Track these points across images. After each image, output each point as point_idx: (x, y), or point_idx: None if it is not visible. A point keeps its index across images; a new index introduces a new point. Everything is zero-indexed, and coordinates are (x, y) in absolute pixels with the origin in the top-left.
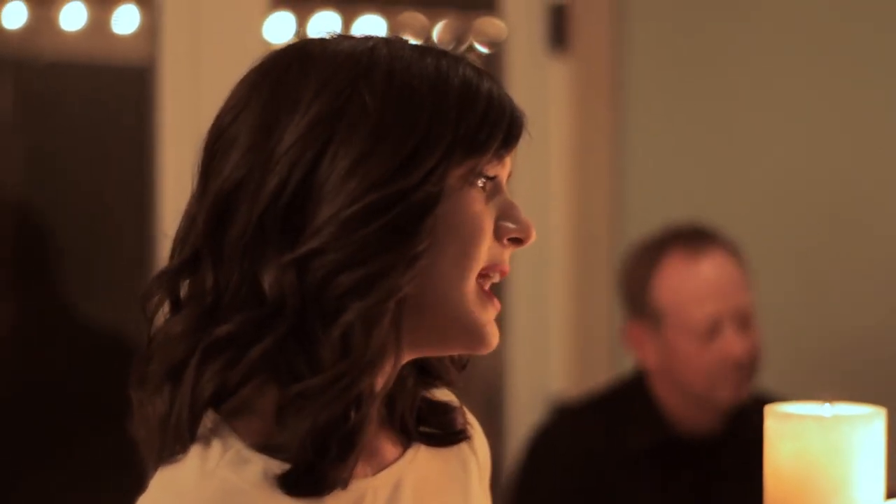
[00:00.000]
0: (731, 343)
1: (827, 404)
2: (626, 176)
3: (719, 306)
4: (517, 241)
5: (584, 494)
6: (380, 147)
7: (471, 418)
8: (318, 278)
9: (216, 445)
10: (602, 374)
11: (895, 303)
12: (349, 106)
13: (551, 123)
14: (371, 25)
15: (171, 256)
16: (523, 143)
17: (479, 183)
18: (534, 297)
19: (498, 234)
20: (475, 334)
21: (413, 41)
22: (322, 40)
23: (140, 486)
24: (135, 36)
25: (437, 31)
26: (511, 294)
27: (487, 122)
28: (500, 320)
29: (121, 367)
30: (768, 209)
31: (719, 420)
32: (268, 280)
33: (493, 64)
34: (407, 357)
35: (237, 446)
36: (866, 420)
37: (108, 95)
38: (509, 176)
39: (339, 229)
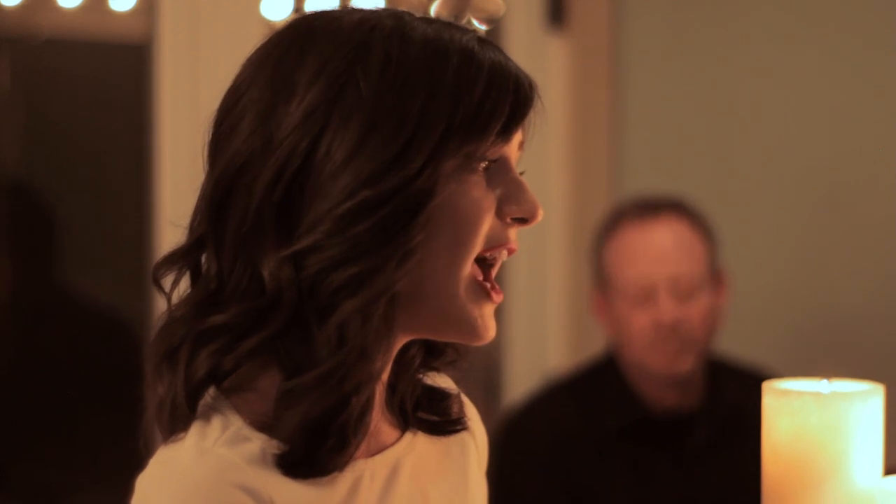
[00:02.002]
0: (662, 310)
1: (825, 381)
2: (625, 153)
3: (653, 271)
4: (522, 221)
5: (559, 478)
6: (373, 138)
7: (469, 406)
8: (312, 274)
9: (216, 422)
10: (599, 351)
11: (893, 280)
12: (344, 92)
13: (549, 100)
14: (369, 3)
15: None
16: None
17: (481, 166)
18: (531, 276)
19: (500, 214)
20: (467, 327)
21: (419, 15)
22: (327, 16)
23: (137, 461)
24: (132, 13)
25: (435, 7)
26: (509, 272)
27: (486, 106)
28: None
29: (117, 344)
30: (766, 185)
31: (690, 395)
32: (266, 272)
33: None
34: (405, 340)
35: (237, 424)
36: (864, 396)
37: (105, 73)
38: (522, 146)
39: (332, 226)
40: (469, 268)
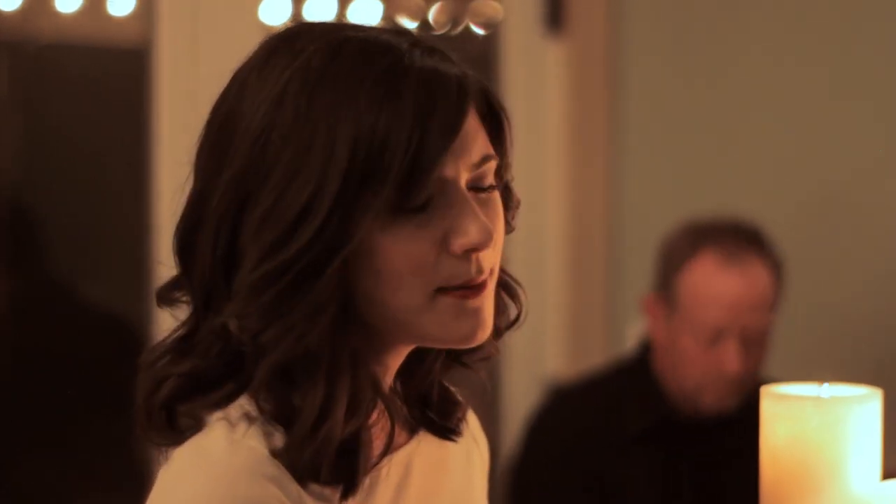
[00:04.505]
0: (728, 358)
1: (823, 385)
2: (623, 157)
3: (729, 319)
4: (475, 250)
5: (583, 477)
6: (278, 205)
7: (471, 416)
8: (248, 339)
9: (240, 415)
10: (598, 356)
11: (891, 285)
12: (263, 154)
13: (547, 104)
14: (367, 7)
15: None
16: (519, 124)
17: (411, 206)
18: (530, 279)
19: (450, 249)
20: (448, 342)
21: (364, 34)
22: (267, 53)
23: (137, 465)
24: (131, 18)
25: (434, 13)
26: None
27: (386, 149)
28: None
29: (117, 347)
30: (763, 189)
31: (724, 402)
32: (229, 325)
33: (489, 45)
34: (404, 349)
35: (260, 419)
36: (862, 401)
37: (104, 77)
38: (487, 160)
39: (247, 294)
40: (423, 300)
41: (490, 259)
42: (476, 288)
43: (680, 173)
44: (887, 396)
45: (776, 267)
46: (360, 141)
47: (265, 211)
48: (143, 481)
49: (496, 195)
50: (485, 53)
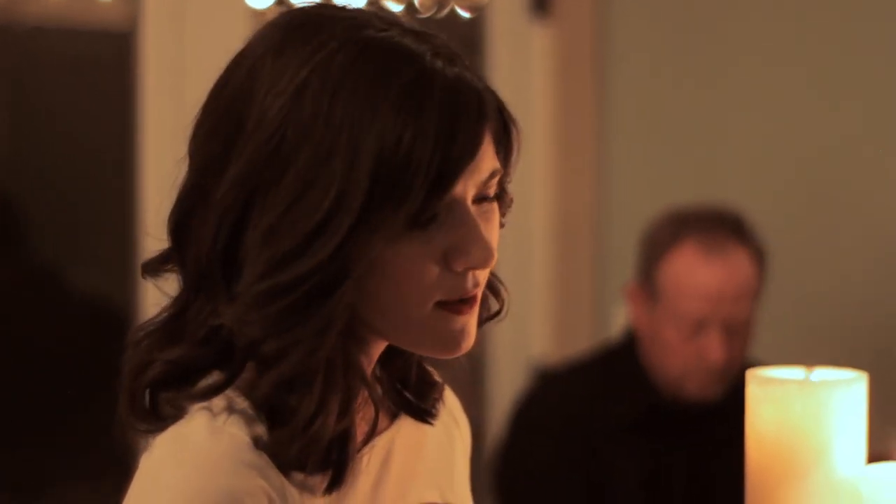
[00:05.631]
0: (711, 348)
1: (809, 369)
2: (610, 142)
3: (711, 309)
4: (475, 268)
5: (570, 463)
6: (292, 211)
7: (453, 398)
8: (245, 342)
9: (222, 402)
10: (583, 340)
11: (879, 270)
12: (278, 150)
13: (534, 90)
14: None
15: None
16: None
17: (420, 221)
18: (515, 264)
19: (449, 266)
20: (435, 352)
21: (378, 30)
22: (283, 38)
23: (122, 452)
24: (116, 0)
25: None
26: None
27: (411, 168)
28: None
29: (104, 333)
30: (753, 177)
31: (707, 390)
32: (221, 317)
33: (474, 29)
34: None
35: (242, 404)
36: (847, 385)
37: (90, 60)
38: (498, 176)
39: (252, 301)
40: (425, 311)
41: (486, 273)
42: (470, 301)
43: (667, 159)
44: (872, 380)
45: (759, 255)
46: (384, 156)
47: (278, 216)
48: (127, 467)
49: (496, 205)
50: (470, 37)
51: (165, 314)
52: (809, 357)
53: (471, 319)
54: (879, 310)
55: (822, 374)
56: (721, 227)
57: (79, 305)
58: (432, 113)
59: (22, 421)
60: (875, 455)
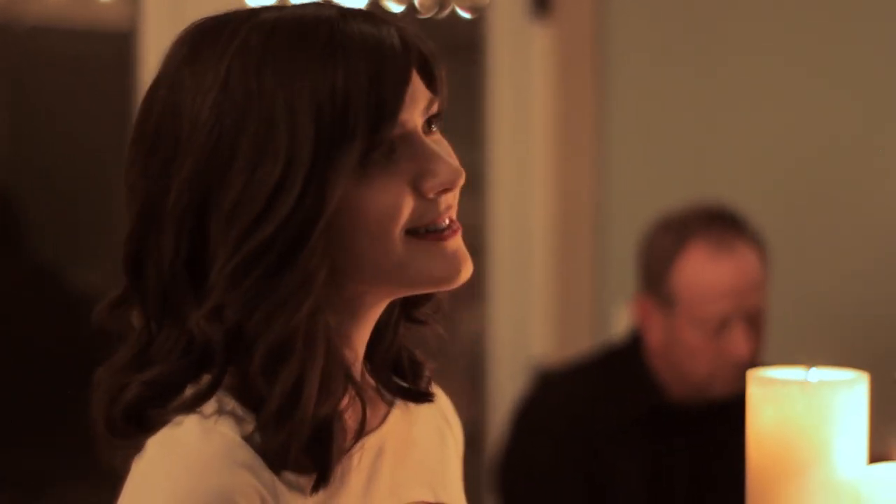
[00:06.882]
0: (738, 343)
1: (810, 369)
2: (610, 141)
3: (734, 305)
4: (446, 190)
5: (572, 464)
6: (249, 186)
7: (444, 398)
8: (229, 328)
9: (211, 402)
10: (584, 341)
11: (879, 270)
12: (218, 144)
13: (534, 89)
14: None
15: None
16: (505, 109)
17: (375, 155)
18: (515, 263)
19: (420, 191)
20: (430, 283)
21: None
22: (192, 48)
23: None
24: (116, 0)
25: None
26: (492, 260)
27: (351, 105)
28: (482, 286)
29: (104, 332)
30: (752, 176)
31: (734, 387)
32: (193, 329)
33: (475, 29)
34: (383, 303)
35: (231, 404)
36: (849, 385)
37: (90, 61)
38: (436, 104)
39: (227, 282)
40: (400, 244)
41: (455, 197)
42: (446, 230)
43: (666, 158)
44: (874, 380)
45: (760, 246)
46: (323, 105)
47: (235, 197)
48: (124, 468)
49: (442, 137)
50: (471, 38)
51: (130, 352)
52: (809, 357)
53: (459, 243)
54: (879, 310)
55: (823, 374)
56: (721, 224)
57: (79, 305)
58: (358, 55)
59: (22, 421)
60: (875, 455)
